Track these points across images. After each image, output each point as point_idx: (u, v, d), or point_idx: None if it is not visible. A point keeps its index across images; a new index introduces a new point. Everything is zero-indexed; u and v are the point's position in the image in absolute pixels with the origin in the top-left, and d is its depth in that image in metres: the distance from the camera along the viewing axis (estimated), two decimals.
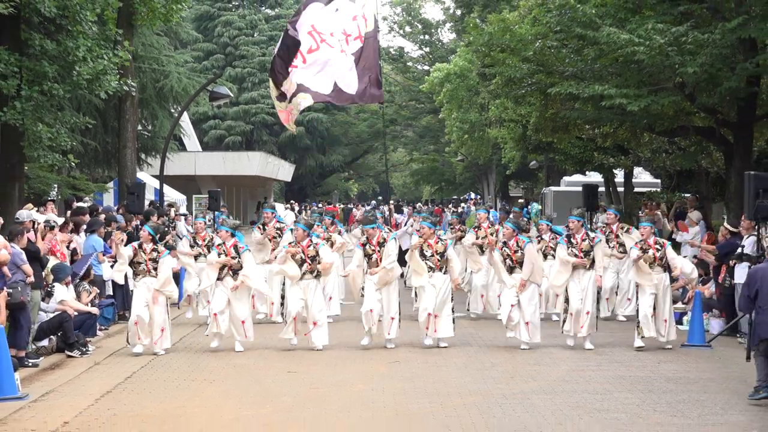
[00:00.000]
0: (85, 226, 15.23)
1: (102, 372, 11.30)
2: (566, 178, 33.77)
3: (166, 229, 18.76)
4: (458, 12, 48.86)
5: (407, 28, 56.73)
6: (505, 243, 13.12)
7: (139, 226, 15.73)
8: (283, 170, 51.70)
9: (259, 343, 13.23)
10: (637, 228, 14.39)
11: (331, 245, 14.99)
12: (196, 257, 15.48)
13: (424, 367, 11.52)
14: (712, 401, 9.58)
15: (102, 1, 16.18)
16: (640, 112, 16.23)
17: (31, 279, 11.43)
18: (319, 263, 12.73)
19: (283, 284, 14.07)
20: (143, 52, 26.73)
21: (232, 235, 13.06)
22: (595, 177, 29.48)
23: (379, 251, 12.95)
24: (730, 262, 13.93)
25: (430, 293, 12.79)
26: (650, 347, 12.70)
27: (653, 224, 13.74)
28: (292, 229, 13.98)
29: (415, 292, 14.70)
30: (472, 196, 53.59)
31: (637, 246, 12.92)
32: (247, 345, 12.88)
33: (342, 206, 51.94)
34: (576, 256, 12.87)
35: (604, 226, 16.34)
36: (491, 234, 15.84)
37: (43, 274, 12.51)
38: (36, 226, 12.85)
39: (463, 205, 44.08)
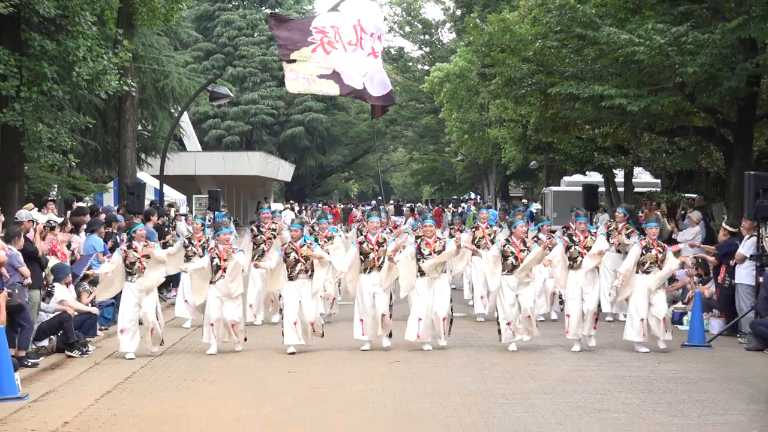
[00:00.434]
0: (85, 226, 15.24)
1: (102, 372, 11.30)
2: (566, 178, 33.76)
3: (166, 229, 18.81)
4: (458, 12, 48.91)
5: (407, 28, 56.75)
6: (507, 240, 12.97)
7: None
8: (283, 170, 51.70)
9: (259, 343, 13.23)
10: (642, 231, 14.34)
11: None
12: (188, 257, 15.13)
13: (424, 367, 11.52)
14: (712, 401, 9.57)
15: (102, 1, 16.19)
16: (640, 112, 16.22)
17: (29, 281, 11.43)
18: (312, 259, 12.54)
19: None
20: (143, 52, 26.73)
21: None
22: (595, 177, 29.46)
23: (377, 250, 12.90)
24: (731, 262, 13.94)
25: (423, 298, 12.69)
26: (650, 348, 12.68)
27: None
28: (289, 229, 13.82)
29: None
30: (472, 196, 53.59)
31: (641, 243, 12.80)
32: (247, 345, 12.84)
33: (342, 206, 51.95)
34: (579, 254, 12.81)
35: (610, 222, 16.24)
36: (489, 234, 15.81)
37: (44, 274, 12.52)
38: (35, 226, 12.84)
39: (463, 205, 44.07)
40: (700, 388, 10.23)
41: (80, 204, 18.57)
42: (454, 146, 46.43)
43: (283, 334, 12.46)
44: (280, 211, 26.03)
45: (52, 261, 13.03)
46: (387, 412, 9.11)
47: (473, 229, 16.08)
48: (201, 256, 13.41)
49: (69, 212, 17.04)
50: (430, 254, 12.76)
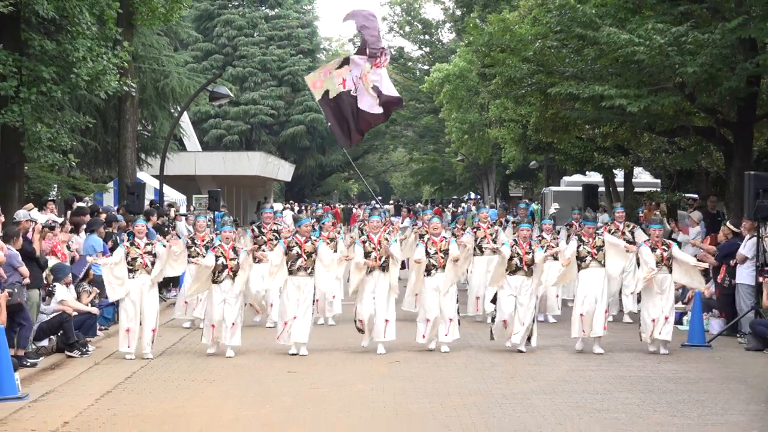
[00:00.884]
0: (84, 226, 15.23)
1: (102, 372, 11.30)
2: (566, 178, 33.74)
3: (166, 229, 18.80)
4: (458, 12, 48.92)
5: (407, 28, 56.77)
6: (515, 241, 12.96)
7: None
8: (283, 170, 51.67)
9: (259, 344, 13.23)
10: (645, 230, 14.32)
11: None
12: (191, 257, 15.05)
13: (424, 367, 11.52)
14: (712, 401, 9.58)
15: (102, 2, 16.17)
16: (640, 112, 16.21)
17: (28, 281, 11.43)
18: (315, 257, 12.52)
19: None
20: (143, 52, 26.70)
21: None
22: (595, 177, 29.45)
23: (378, 250, 12.87)
24: (731, 262, 13.94)
25: (432, 298, 12.73)
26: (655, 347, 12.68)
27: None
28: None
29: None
30: (472, 196, 53.61)
31: (646, 244, 12.79)
32: (247, 346, 12.82)
33: (342, 206, 51.95)
34: (589, 253, 12.79)
35: (610, 223, 16.24)
36: (490, 234, 15.80)
37: (44, 274, 12.52)
38: (35, 225, 12.83)
39: (463, 205, 44.07)
40: (700, 388, 10.24)
41: (80, 204, 18.56)
42: (454, 146, 46.43)
43: (278, 338, 12.50)
44: (280, 211, 26.00)
45: (52, 261, 13.02)
46: (387, 412, 9.12)
47: (474, 230, 16.06)
48: (204, 256, 13.35)
49: (69, 212, 17.04)
50: (436, 253, 12.79)
